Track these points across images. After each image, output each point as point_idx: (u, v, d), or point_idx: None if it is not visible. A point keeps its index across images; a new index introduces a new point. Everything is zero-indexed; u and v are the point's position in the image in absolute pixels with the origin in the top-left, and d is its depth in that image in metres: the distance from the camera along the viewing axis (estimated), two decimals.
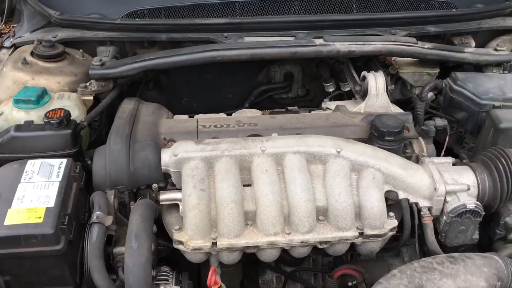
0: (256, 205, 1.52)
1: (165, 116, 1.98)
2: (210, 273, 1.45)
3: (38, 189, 1.58)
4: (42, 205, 1.52)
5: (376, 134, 1.78)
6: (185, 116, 2.05)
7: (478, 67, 2.20)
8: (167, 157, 1.61)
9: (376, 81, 2.03)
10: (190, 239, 1.48)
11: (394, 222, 1.56)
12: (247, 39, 2.14)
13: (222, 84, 2.45)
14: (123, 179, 1.66)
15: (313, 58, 2.18)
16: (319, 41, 2.04)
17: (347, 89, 2.39)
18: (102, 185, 1.67)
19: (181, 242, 1.49)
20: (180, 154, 1.60)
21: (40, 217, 1.49)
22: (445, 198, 1.58)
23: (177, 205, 1.62)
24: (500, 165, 1.60)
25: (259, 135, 1.83)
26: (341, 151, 1.62)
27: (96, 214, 1.47)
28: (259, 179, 1.56)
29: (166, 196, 1.63)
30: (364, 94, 2.06)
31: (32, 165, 1.66)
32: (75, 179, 1.67)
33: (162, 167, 1.62)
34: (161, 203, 1.64)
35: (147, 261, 1.37)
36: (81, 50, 2.13)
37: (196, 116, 2.05)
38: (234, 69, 2.34)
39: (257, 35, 2.16)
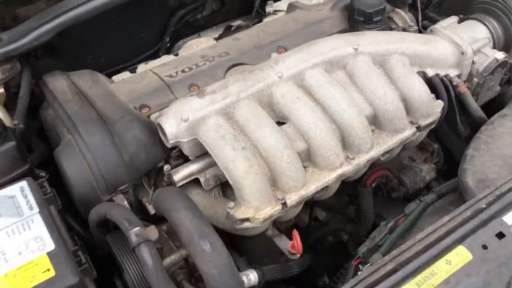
0: (308, 141, 1.25)
1: (108, 81, 1.52)
2: (297, 239, 1.18)
3: (17, 234, 1.13)
4: (40, 253, 1.10)
5: (363, 18, 1.57)
6: (127, 73, 1.61)
7: None
8: (173, 126, 1.22)
9: None
10: (257, 210, 1.17)
11: (440, 103, 1.41)
12: None
13: (130, 24, 1.97)
14: (122, 176, 1.25)
15: None
16: None
17: None
18: (91, 193, 1.25)
19: (246, 219, 1.18)
20: (191, 116, 1.22)
21: (48, 269, 1.08)
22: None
23: (194, 180, 1.29)
24: (504, 7, 1.52)
25: (241, 63, 1.51)
26: (358, 46, 1.38)
27: (134, 232, 1.07)
28: (295, 110, 1.27)
29: (182, 174, 1.28)
30: None
31: None
32: (50, 202, 1.23)
33: (170, 141, 1.23)
34: (178, 184, 1.28)
35: (231, 263, 1.06)
36: None
37: (141, 68, 1.62)
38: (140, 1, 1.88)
39: None
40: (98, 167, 1.22)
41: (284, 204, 1.20)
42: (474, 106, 1.48)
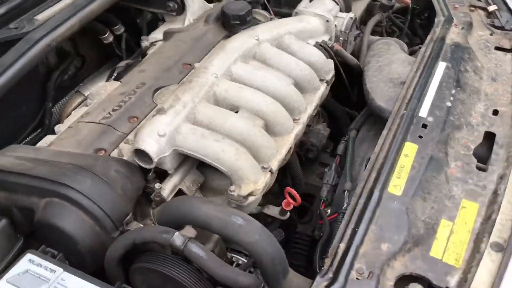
0: (264, 117, 1.47)
1: (41, 147, 1.52)
2: (293, 193, 1.39)
3: None
4: None
5: (239, 21, 1.85)
6: (50, 137, 1.61)
7: None
8: (153, 145, 1.32)
9: None
10: (255, 183, 1.35)
11: (330, 61, 1.76)
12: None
13: (8, 103, 1.90)
14: (123, 208, 1.29)
15: None
16: None
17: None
18: (98, 239, 1.26)
19: (250, 194, 1.34)
20: (167, 130, 1.34)
21: None
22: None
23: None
24: None
25: (162, 86, 1.66)
26: (258, 37, 1.66)
27: (176, 236, 1.14)
28: (243, 97, 1.48)
29: (168, 189, 1.39)
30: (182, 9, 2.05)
31: None
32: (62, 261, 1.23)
33: (155, 159, 1.33)
34: (168, 199, 1.38)
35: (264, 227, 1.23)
36: None
37: (68, 123, 1.62)
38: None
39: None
40: (100, 208, 1.25)
41: (271, 171, 1.40)
42: (350, 57, 1.87)
